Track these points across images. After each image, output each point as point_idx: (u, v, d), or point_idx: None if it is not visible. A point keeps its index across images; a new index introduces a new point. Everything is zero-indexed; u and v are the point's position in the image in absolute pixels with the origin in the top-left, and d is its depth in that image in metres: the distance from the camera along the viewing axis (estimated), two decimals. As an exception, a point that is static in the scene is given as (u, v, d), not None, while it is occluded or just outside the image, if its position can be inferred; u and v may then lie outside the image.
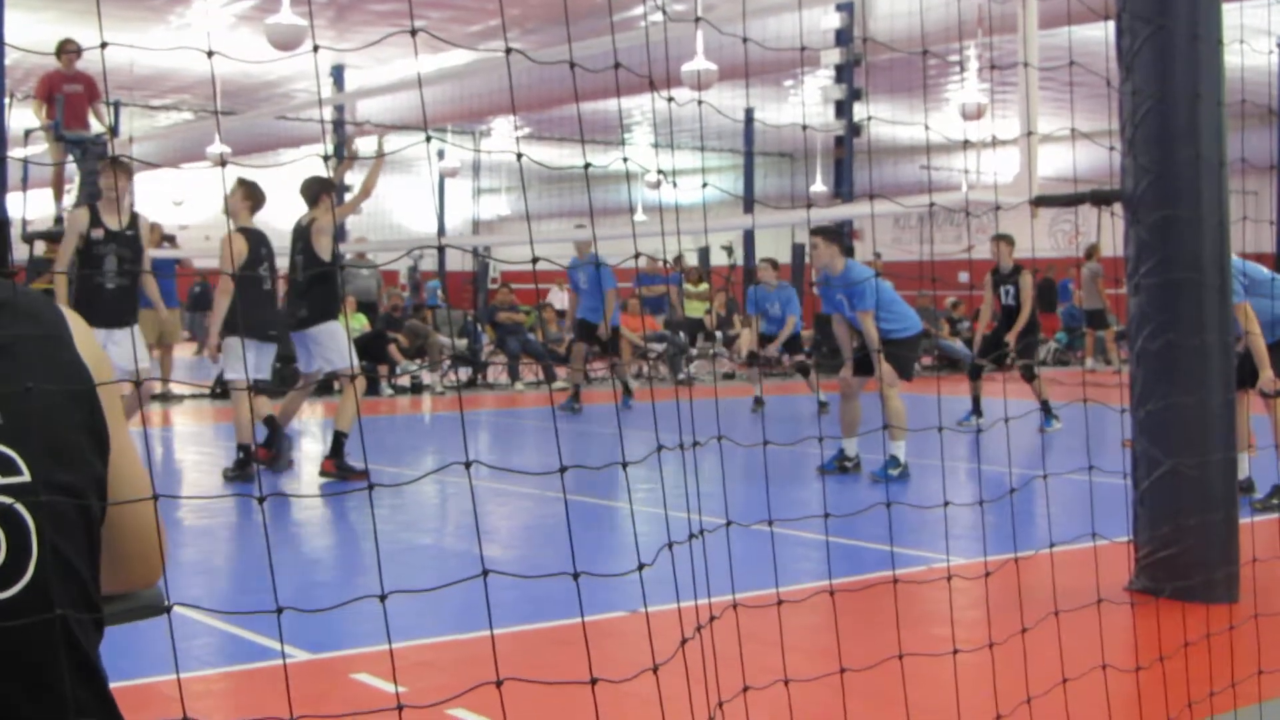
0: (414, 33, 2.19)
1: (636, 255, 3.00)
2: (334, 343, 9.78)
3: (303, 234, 9.91)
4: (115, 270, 9.24)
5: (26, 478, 1.58)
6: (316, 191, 9.96)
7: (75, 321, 1.76)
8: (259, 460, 9.75)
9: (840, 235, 9.37)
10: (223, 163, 3.33)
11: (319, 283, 9.76)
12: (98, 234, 9.25)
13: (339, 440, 9.65)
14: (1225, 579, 5.82)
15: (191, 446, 12.63)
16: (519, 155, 2.35)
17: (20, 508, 1.57)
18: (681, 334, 20.17)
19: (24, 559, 1.57)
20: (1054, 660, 4.16)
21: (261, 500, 2.27)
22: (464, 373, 19.67)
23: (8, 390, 1.60)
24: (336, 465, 9.64)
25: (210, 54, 2.19)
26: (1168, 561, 5.83)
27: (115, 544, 1.79)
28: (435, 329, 19.24)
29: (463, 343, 20.37)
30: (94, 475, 1.70)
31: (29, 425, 1.61)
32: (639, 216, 31.34)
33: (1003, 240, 12.79)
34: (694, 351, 20.80)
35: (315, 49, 2.15)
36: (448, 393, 16.43)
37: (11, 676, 1.56)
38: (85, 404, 1.70)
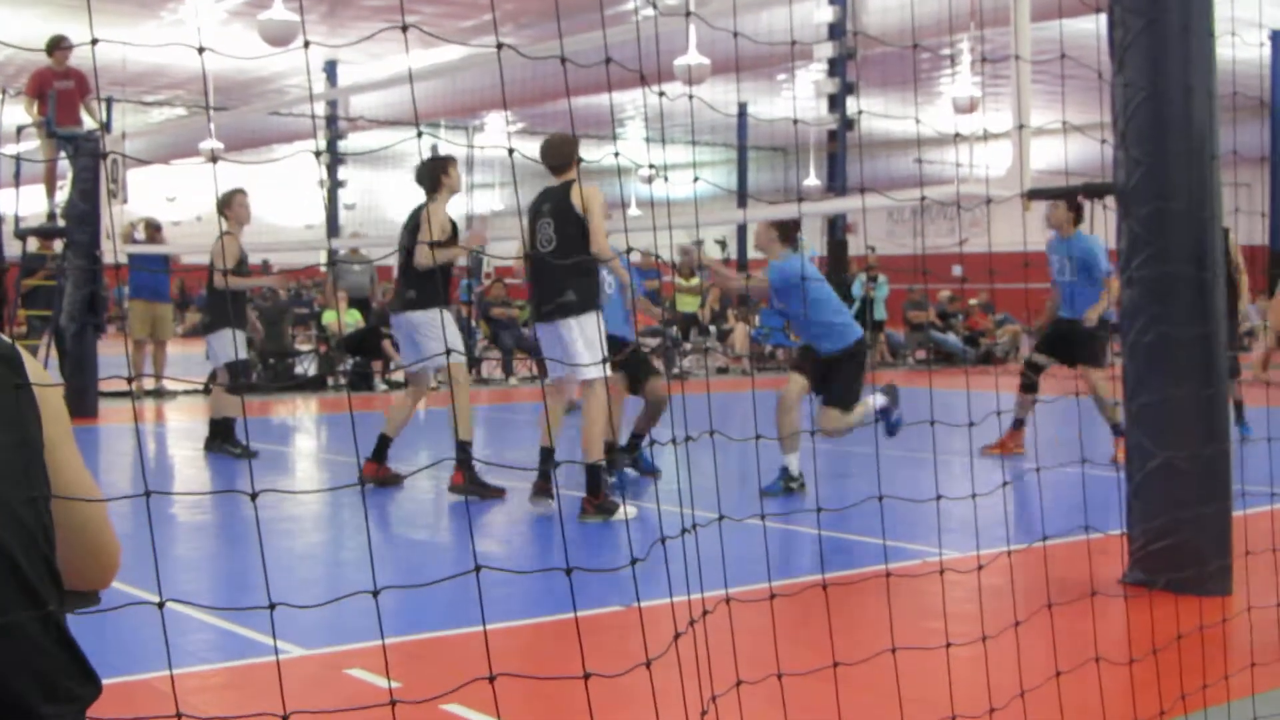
0: (405, 29, 2.19)
1: (629, 250, 2.99)
2: (435, 331, 8.77)
3: (414, 220, 8.94)
4: None
5: None
6: (436, 175, 8.85)
7: (25, 352, 1.88)
8: (368, 478, 8.86)
9: (786, 225, 8.94)
10: (214, 159, 3.30)
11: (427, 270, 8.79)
12: None
13: (464, 450, 8.60)
14: (1219, 571, 5.82)
15: (185, 442, 12.62)
16: (510, 151, 2.35)
17: None
18: (674, 329, 20.18)
19: None
20: (1047, 653, 4.17)
21: (254, 496, 2.28)
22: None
23: None
24: (467, 479, 8.66)
25: (201, 50, 2.19)
26: (1161, 554, 5.84)
27: (63, 551, 1.86)
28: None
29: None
30: (30, 471, 1.79)
31: None
32: (632, 211, 31.34)
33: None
34: (687, 346, 20.81)
35: (306, 45, 2.15)
36: (441, 388, 16.40)
37: None
38: (24, 398, 1.80)
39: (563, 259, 7.81)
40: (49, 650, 1.74)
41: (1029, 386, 10.54)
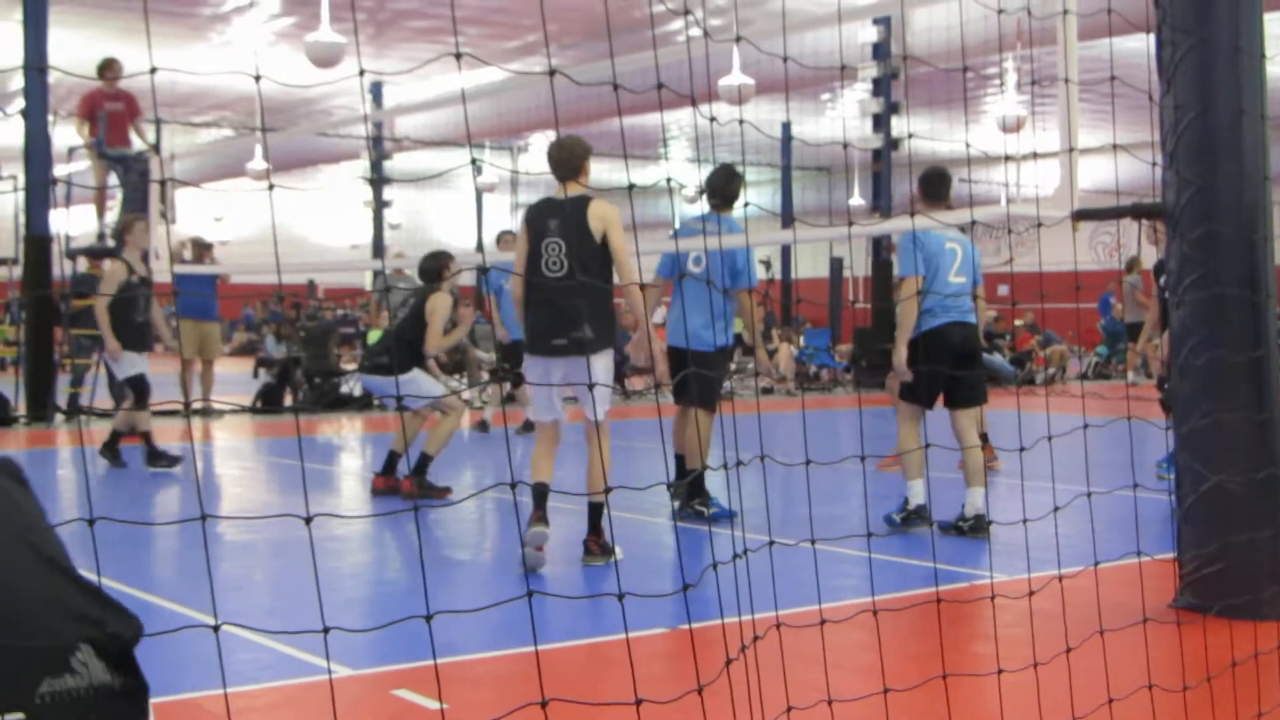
0: (459, 55, 2.19)
1: (682, 276, 2.99)
2: (417, 385, 9.81)
3: (420, 306, 9.93)
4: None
5: None
6: (439, 270, 10.00)
7: None
8: (403, 491, 9.60)
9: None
10: (270, 185, 3.23)
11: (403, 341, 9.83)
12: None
13: (424, 461, 9.60)
14: (1273, 597, 5.75)
15: (232, 461, 12.68)
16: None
17: None
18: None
19: None
20: (1099, 680, 4.13)
21: (309, 521, 2.28)
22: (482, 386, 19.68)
23: None
24: (417, 484, 9.57)
25: (258, 78, 2.21)
26: (1214, 579, 5.78)
27: None
28: (474, 344, 19.30)
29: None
30: None
31: None
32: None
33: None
34: (732, 366, 20.79)
35: (361, 73, 2.16)
36: (486, 407, 16.44)
37: None
38: None
39: (577, 287, 7.23)
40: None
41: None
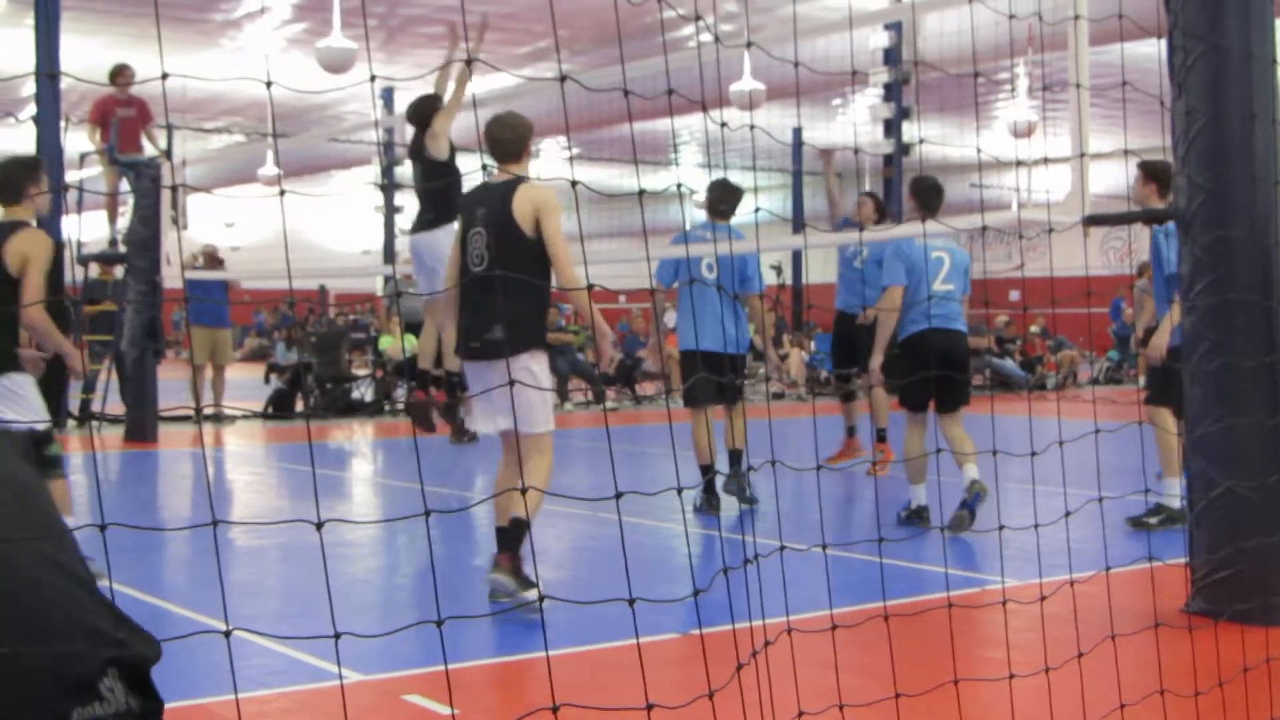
0: (469, 62, 2.20)
1: (691, 281, 2.99)
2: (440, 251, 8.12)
3: (418, 145, 8.82)
4: None
5: None
6: (427, 113, 8.72)
7: None
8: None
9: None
10: (281, 190, 3.10)
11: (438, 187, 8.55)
12: None
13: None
14: (1284, 602, 5.75)
15: (244, 467, 12.70)
16: (574, 183, 2.36)
17: None
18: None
19: None
20: (1111, 685, 4.13)
21: (320, 526, 2.29)
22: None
23: None
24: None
25: (270, 84, 2.21)
26: (1226, 584, 5.77)
27: None
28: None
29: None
30: None
31: None
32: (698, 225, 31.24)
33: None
34: (744, 371, 20.79)
35: (372, 78, 2.17)
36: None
37: None
38: None
39: (495, 283, 6.23)
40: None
41: None
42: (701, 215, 10.47)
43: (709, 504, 9.04)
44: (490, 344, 6.15)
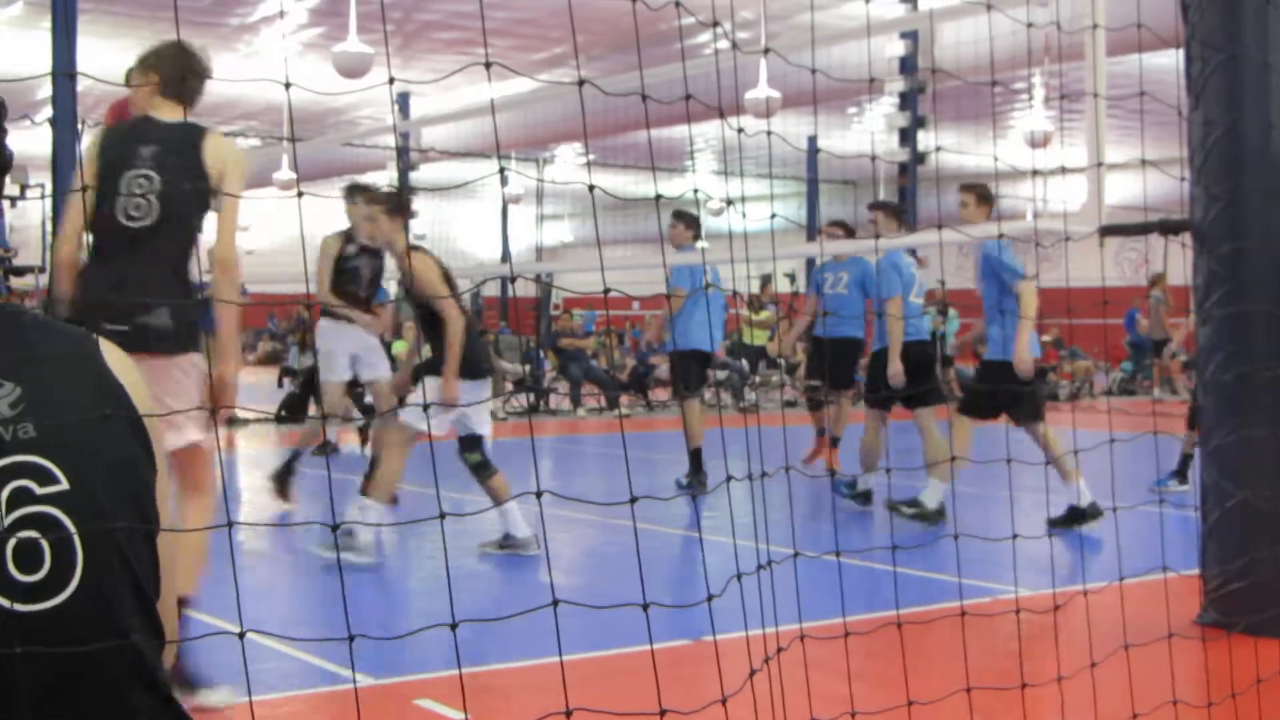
0: (488, 65, 2.20)
1: (707, 286, 3.00)
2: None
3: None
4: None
5: (65, 486, 1.58)
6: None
7: (110, 347, 1.77)
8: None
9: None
10: (299, 193, 2.89)
11: None
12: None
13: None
14: (1298, 614, 5.73)
15: (256, 470, 12.71)
16: (591, 187, 2.37)
17: (62, 517, 1.57)
18: (743, 361, 20.17)
19: (69, 568, 1.57)
20: (1124, 695, 4.12)
21: (335, 529, 2.29)
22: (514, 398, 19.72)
23: (41, 401, 1.61)
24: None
25: (288, 86, 2.22)
26: (1239, 595, 5.75)
27: None
28: (498, 355, 19.36)
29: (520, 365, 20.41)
30: (133, 489, 1.69)
31: (65, 437, 1.61)
32: (701, 243, 31.28)
33: None
34: (756, 379, 20.78)
35: (391, 81, 2.17)
36: (510, 419, 16.46)
37: (67, 683, 1.56)
38: (124, 421, 1.70)
39: (165, 249, 4.87)
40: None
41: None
42: (713, 221, 10.76)
43: (698, 483, 9.97)
44: (152, 331, 4.88)
